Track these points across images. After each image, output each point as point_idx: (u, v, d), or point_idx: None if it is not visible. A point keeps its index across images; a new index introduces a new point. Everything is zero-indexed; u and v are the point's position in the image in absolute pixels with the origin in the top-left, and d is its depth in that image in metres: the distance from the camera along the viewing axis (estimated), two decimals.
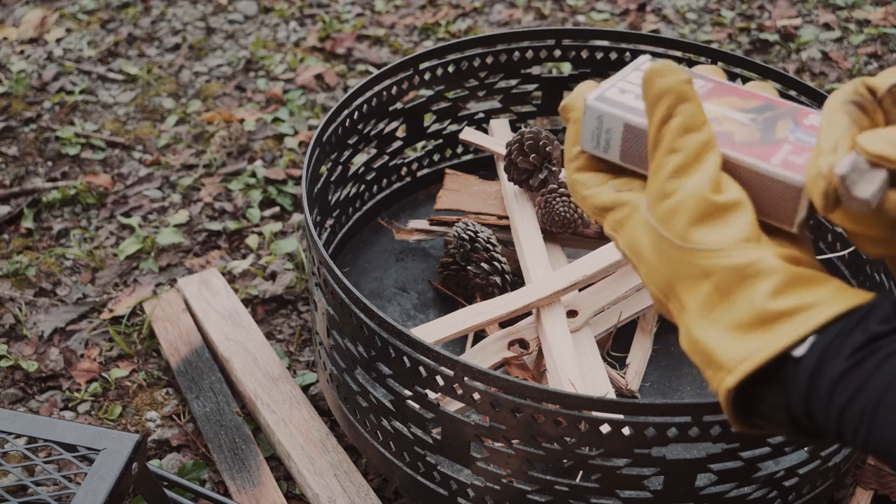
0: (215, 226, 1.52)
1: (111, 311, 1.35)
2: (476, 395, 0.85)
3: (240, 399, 1.20)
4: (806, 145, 0.57)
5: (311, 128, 1.77)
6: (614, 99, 0.61)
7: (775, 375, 0.51)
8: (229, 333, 1.25)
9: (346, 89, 1.89)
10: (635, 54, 1.35)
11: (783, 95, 1.26)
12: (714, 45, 1.64)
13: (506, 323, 1.12)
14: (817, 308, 0.50)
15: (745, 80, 1.30)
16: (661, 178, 0.55)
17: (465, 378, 0.84)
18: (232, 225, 1.51)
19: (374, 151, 1.31)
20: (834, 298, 0.51)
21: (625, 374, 1.11)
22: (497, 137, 1.37)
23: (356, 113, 1.21)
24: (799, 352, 0.50)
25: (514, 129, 1.44)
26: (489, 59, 1.34)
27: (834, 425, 0.48)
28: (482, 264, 1.17)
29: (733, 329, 0.52)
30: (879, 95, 0.54)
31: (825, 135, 0.52)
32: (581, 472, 0.94)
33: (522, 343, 1.09)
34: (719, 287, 0.52)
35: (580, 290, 1.14)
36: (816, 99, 1.23)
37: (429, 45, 2.04)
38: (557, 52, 1.38)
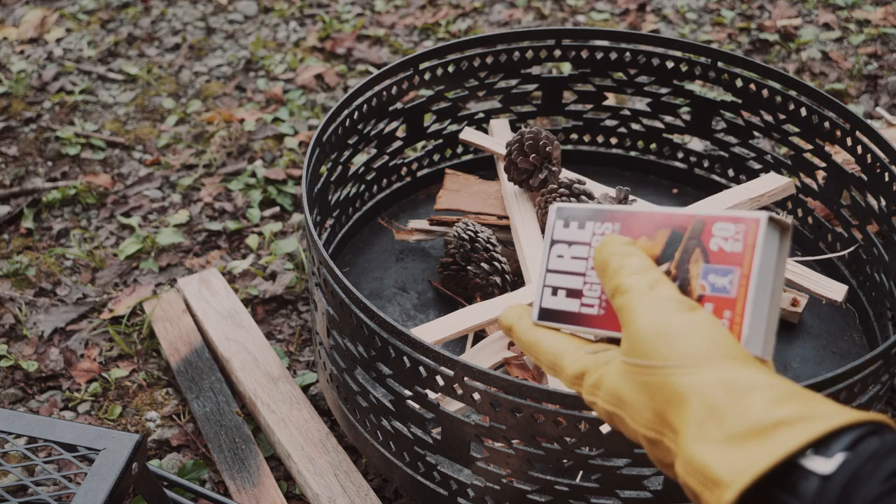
0: (215, 226, 1.52)
1: (111, 311, 1.35)
2: (476, 395, 0.85)
3: (240, 399, 1.20)
4: (725, 296, 0.58)
5: (311, 128, 1.77)
6: (554, 308, 0.66)
7: (791, 493, 0.47)
8: (229, 333, 1.25)
9: (346, 89, 1.89)
10: (635, 54, 1.35)
11: (783, 95, 1.26)
12: (714, 45, 1.64)
13: None
14: (820, 419, 0.47)
15: (746, 80, 1.30)
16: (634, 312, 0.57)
17: (465, 378, 0.84)
18: (232, 225, 1.51)
19: (374, 151, 1.31)
20: (835, 411, 0.48)
21: None
22: (497, 137, 1.37)
23: (356, 113, 1.21)
24: (825, 468, 0.46)
25: (514, 129, 1.44)
26: (489, 59, 1.34)
27: None
28: (482, 264, 1.17)
29: (728, 442, 0.48)
30: None
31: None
32: (581, 472, 0.94)
33: None
34: (707, 402, 0.50)
35: None
36: (817, 99, 1.23)
37: (429, 45, 2.04)
38: (557, 52, 1.38)
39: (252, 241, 1.48)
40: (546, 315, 0.66)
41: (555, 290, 0.66)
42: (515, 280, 1.20)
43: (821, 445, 0.46)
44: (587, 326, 0.64)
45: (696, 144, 1.65)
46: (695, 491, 0.49)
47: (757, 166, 1.36)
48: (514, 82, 1.38)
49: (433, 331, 1.03)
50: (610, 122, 1.45)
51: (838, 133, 1.20)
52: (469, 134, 1.38)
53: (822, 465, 0.46)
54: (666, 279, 0.58)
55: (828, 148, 1.28)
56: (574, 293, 0.65)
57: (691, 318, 0.55)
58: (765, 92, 1.28)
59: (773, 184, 1.23)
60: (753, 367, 0.52)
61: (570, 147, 1.48)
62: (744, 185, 1.25)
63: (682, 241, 0.61)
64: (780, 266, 0.59)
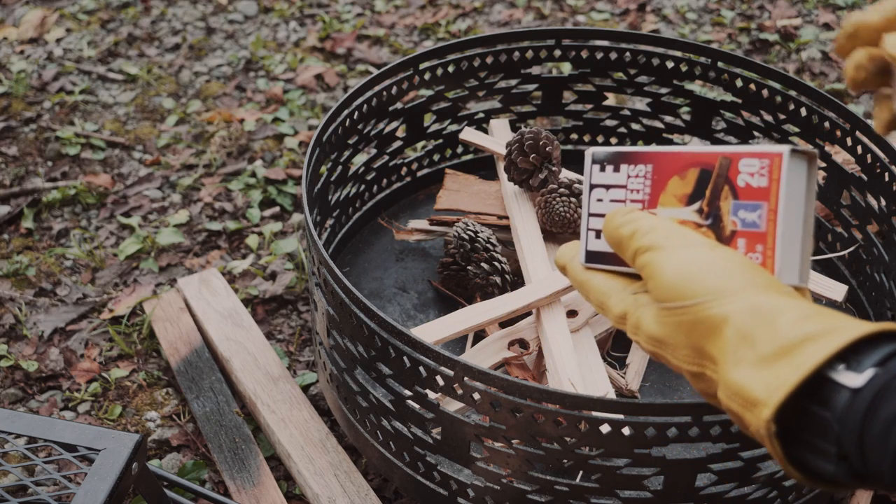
0: (215, 226, 1.52)
1: (111, 311, 1.35)
2: (476, 395, 0.85)
3: (240, 399, 1.20)
4: (756, 230, 0.59)
5: (311, 128, 1.77)
6: (598, 251, 0.68)
7: (824, 407, 0.49)
8: (229, 333, 1.25)
9: (346, 89, 1.89)
10: (635, 54, 1.35)
11: (783, 95, 1.26)
12: (714, 45, 1.64)
13: (506, 323, 1.12)
14: (842, 330, 0.50)
15: (746, 80, 1.30)
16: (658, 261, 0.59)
17: (465, 378, 0.84)
18: (232, 225, 1.51)
19: (374, 151, 1.31)
20: (860, 324, 0.50)
21: (625, 374, 1.11)
22: (497, 137, 1.37)
23: (356, 113, 1.21)
24: (855, 382, 0.48)
25: (514, 129, 1.44)
26: (489, 59, 1.34)
27: (888, 466, 0.46)
28: (482, 264, 1.17)
29: (760, 363, 0.51)
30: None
31: None
32: (581, 472, 0.94)
33: (522, 343, 1.09)
34: (739, 329, 0.53)
35: None
36: (816, 99, 1.23)
37: (429, 45, 2.04)
38: (557, 52, 1.38)
39: (252, 241, 1.48)
40: (592, 257, 0.68)
41: (598, 234, 0.68)
42: (515, 280, 1.20)
43: (852, 361, 0.49)
44: (629, 266, 0.65)
45: (696, 144, 1.65)
46: (738, 414, 0.52)
47: None
48: (514, 82, 1.38)
49: (433, 331, 1.03)
50: (610, 122, 1.45)
51: (838, 133, 1.20)
52: (469, 134, 1.38)
53: (853, 379, 0.48)
54: (678, 227, 0.60)
55: (828, 148, 1.28)
56: None
57: (713, 254, 0.57)
58: (765, 92, 1.28)
59: None
60: (780, 292, 0.54)
61: (570, 147, 1.48)
62: None
63: (712, 178, 0.62)
64: (809, 193, 0.60)
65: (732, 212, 0.60)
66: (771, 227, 0.59)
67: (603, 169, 0.68)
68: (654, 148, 0.66)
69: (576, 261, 0.69)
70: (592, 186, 0.69)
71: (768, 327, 0.51)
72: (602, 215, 0.68)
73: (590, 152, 0.69)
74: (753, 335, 0.52)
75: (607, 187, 0.68)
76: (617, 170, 0.67)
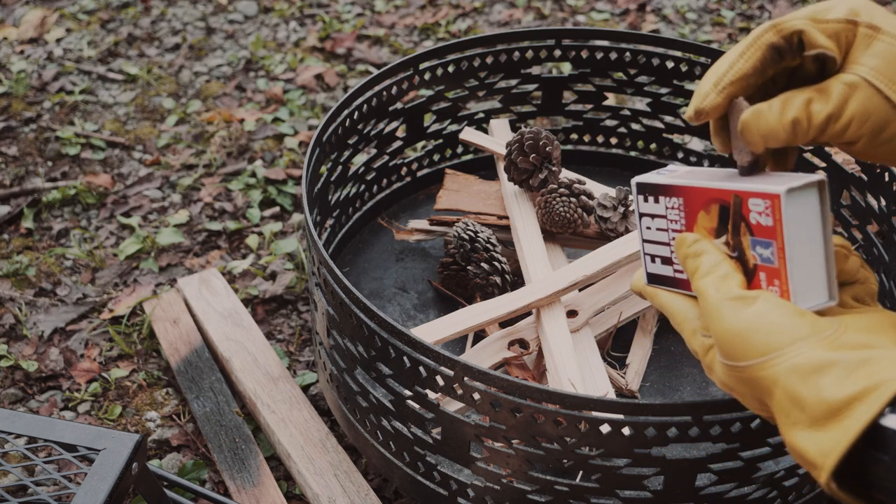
0: (215, 226, 1.52)
1: (111, 311, 1.35)
2: (476, 395, 0.85)
3: (240, 399, 1.20)
4: (771, 266, 0.62)
5: (311, 128, 1.77)
6: (657, 273, 0.72)
7: (882, 451, 0.52)
8: (229, 333, 1.25)
9: (346, 89, 1.89)
10: (635, 54, 1.35)
11: None
12: (714, 45, 1.64)
13: (506, 323, 1.12)
14: (884, 385, 0.52)
15: None
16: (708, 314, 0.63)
17: (465, 378, 0.84)
18: (232, 225, 1.51)
19: (374, 151, 1.31)
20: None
21: (625, 374, 1.11)
22: (497, 137, 1.37)
23: (356, 113, 1.21)
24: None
25: (514, 129, 1.44)
26: (489, 59, 1.34)
27: None
28: (482, 264, 1.17)
29: (813, 426, 0.54)
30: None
31: None
32: (581, 472, 0.94)
33: (522, 343, 1.09)
34: (788, 391, 0.56)
35: (580, 290, 1.14)
36: None
37: (429, 45, 2.04)
38: (557, 52, 1.38)
39: (252, 241, 1.48)
40: (653, 279, 0.72)
41: (653, 258, 0.72)
42: (515, 280, 1.20)
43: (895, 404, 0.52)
44: (686, 290, 0.69)
45: (696, 144, 1.65)
46: (804, 466, 0.56)
47: None
48: (514, 82, 1.38)
49: (433, 331, 1.03)
50: (610, 122, 1.45)
51: None
52: (469, 134, 1.38)
53: (889, 419, 0.52)
54: (729, 274, 0.63)
55: (828, 148, 1.28)
56: (666, 261, 0.71)
57: (750, 314, 0.60)
58: None
59: None
60: (818, 342, 0.57)
61: (570, 147, 1.48)
62: None
63: (730, 215, 0.64)
64: (823, 218, 0.62)
65: (751, 247, 0.63)
66: (782, 265, 0.61)
67: (646, 200, 0.72)
68: (681, 181, 0.68)
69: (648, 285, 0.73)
70: (641, 215, 0.72)
71: (814, 389, 0.54)
72: (654, 242, 0.71)
73: (634, 182, 0.72)
74: (802, 398, 0.55)
75: (652, 216, 0.71)
76: (657, 201, 0.71)
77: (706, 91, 0.64)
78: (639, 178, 0.72)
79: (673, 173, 0.72)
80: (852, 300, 0.65)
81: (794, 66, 0.64)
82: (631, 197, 0.76)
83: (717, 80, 0.63)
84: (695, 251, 0.66)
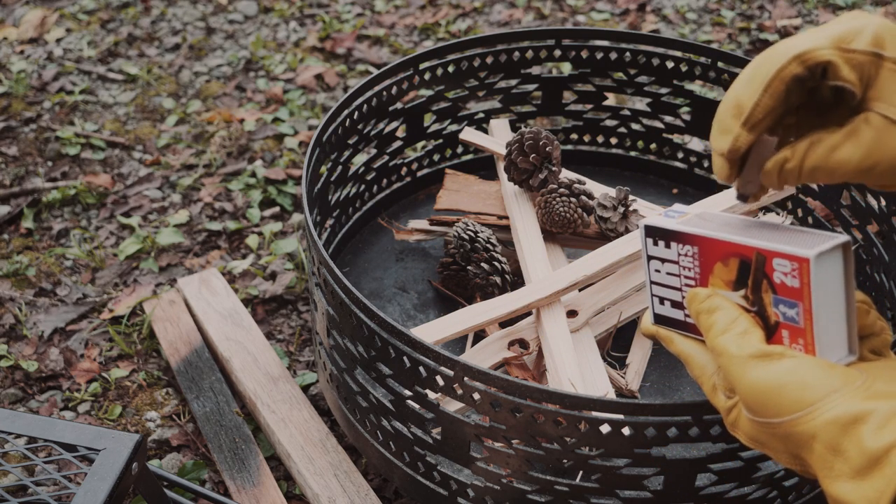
0: (215, 226, 1.52)
1: (111, 311, 1.35)
2: (476, 395, 0.85)
3: (240, 399, 1.20)
4: (795, 325, 0.62)
5: (311, 128, 1.77)
6: (666, 315, 0.72)
7: None
8: (229, 333, 1.25)
9: (346, 89, 1.89)
10: (635, 54, 1.35)
11: None
12: (714, 45, 1.64)
13: (506, 323, 1.12)
14: None
15: None
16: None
17: (465, 378, 0.84)
18: (232, 225, 1.51)
19: (374, 151, 1.31)
20: None
21: (625, 374, 1.11)
22: (497, 137, 1.37)
23: (356, 113, 1.21)
24: None
25: (514, 129, 1.44)
26: (489, 59, 1.34)
27: None
28: (482, 264, 1.17)
29: (856, 477, 0.55)
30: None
31: None
32: (581, 472, 0.94)
33: (522, 343, 1.09)
34: (828, 444, 0.56)
35: (580, 290, 1.14)
36: None
37: (429, 45, 2.04)
38: (557, 52, 1.38)
39: (252, 241, 1.48)
40: (661, 320, 0.72)
41: (661, 300, 0.71)
42: (515, 280, 1.20)
43: None
44: (696, 334, 0.68)
45: (696, 144, 1.65)
46: None
47: None
48: (514, 82, 1.38)
49: (433, 331, 1.03)
50: (610, 122, 1.45)
51: None
52: (469, 134, 1.38)
53: None
54: (748, 330, 0.63)
55: None
56: (677, 304, 0.70)
57: (780, 371, 0.60)
58: None
59: None
60: (852, 393, 0.57)
61: (570, 147, 1.48)
62: None
63: (751, 270, 0.64)
64: (847, 276, 0.62)
65: (774, 304, 0.63)
66: (808, 326, 0.61)
67: (656, 244, 0.70)
68: (696, 229, 0.67)
69: (662, 329, 0.73)
70: (650, 258, 0.71)
71: (854, 439, 0.55)
72: (662, 285, 0.71)
73: (642, 226, 0.71)
74: (843, 449, 0.56)
75: (662, 261, 0.70)
76: (668, 246, 0.69)
77: (735, 131, 0.62)
78: (648, 220, 0.70)
79: (683, 216, 0.71)
80: (869, 353, 0.65)
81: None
82: (637, 234, 0.74)
83: (745, 117, 0.61)
84: (708, 307, 0.66)
